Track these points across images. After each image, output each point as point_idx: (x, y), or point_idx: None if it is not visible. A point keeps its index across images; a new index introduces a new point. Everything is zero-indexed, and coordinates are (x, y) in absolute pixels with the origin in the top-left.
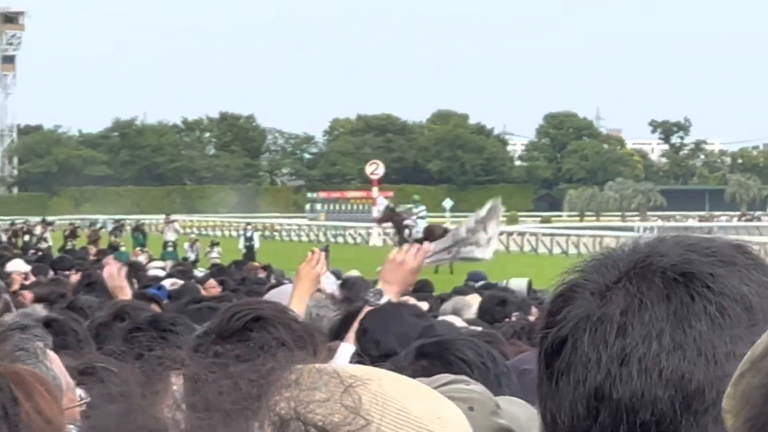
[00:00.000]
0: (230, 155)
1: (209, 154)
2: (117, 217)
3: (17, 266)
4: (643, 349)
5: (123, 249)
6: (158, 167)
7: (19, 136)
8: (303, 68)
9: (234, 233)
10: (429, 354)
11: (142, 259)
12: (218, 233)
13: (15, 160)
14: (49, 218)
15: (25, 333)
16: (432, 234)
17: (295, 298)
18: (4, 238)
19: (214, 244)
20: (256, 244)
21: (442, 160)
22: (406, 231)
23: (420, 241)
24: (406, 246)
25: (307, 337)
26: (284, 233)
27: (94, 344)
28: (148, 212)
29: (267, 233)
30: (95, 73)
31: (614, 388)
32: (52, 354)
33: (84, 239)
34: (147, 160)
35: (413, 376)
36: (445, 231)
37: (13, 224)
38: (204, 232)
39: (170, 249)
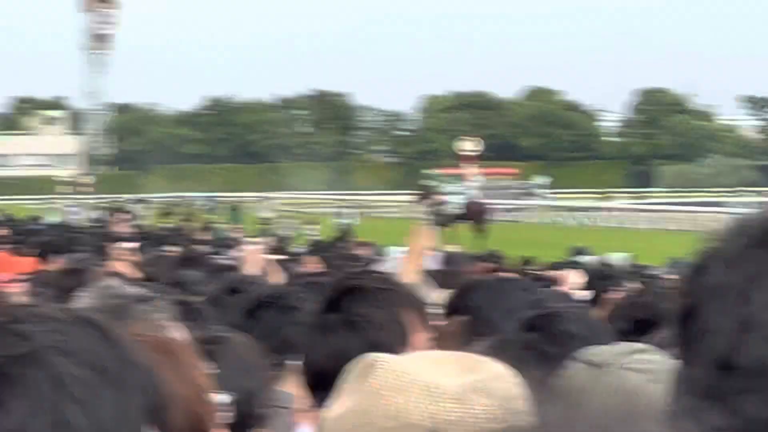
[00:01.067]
0: (325, 133)
1: (304, 132)
2: (211, 195)
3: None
4: (766, 316)
5: (219, 227)
6: (253, 145)
7: (114, 115)
8: (397, 46)
9: (329, 210)
10: (534, 327)
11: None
12: (315, 210)
13: (110, 139)
14: (144, 196)
15: (148, 305)
16: (472, 210)
17: (405, 272)
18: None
19: (311, 222)
20: (353, 221)
21: (535, 137)
22: (445, 206)
23: (462, 216)
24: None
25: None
26: (382, 210)
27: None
28: (242, 190)
29: (362, 211)
30: (190, 51)
31: (737, 356)
32: (176, 327)
33: (178, 217)
34: (241, 138)
35: (519, 350)
36: (485, 207)
37: (113, 202)
38: (298, 210)
39: (266, 226)
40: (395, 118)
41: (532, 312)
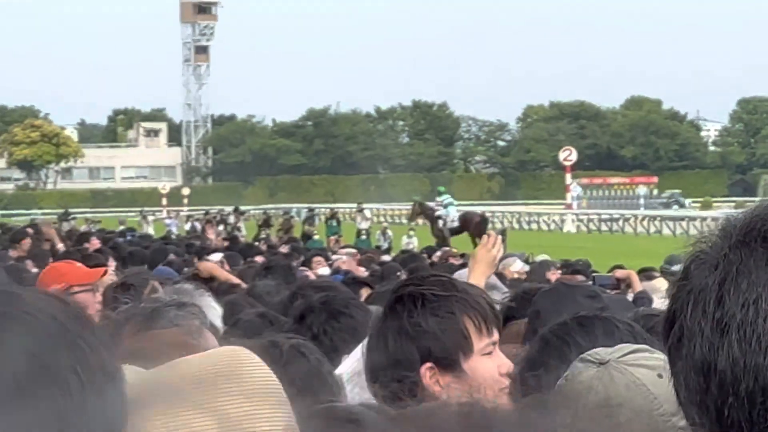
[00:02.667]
0: (424, 143)
1: (403, 143)
2: (310, 205)
3: (212, 256)
4: (741, 317)
5: (316, 237)
6: (352, 156)
7: (213, 127)
8: (495, 55)
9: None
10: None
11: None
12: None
13: (209, 150)
14: (244, 208)
15: (181, 310)
16: (468, 222)
17: (471, 281)
18: (199, 227)
19: (410, 230)
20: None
21: (636, 146)
22: (440, 221)
23: (457, 229)
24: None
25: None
26: None
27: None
28: (341, 201)
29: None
30: (288, 62)
31: (717, 359)
32: (208, 333)
33: (277, 228)
34: (341, 149)
35: (559, 348)
36: (482, 218)
37: (207, 214)
38: (398, 221)
39: (363, 237)
40: (495, 128)
41: (572, 314)
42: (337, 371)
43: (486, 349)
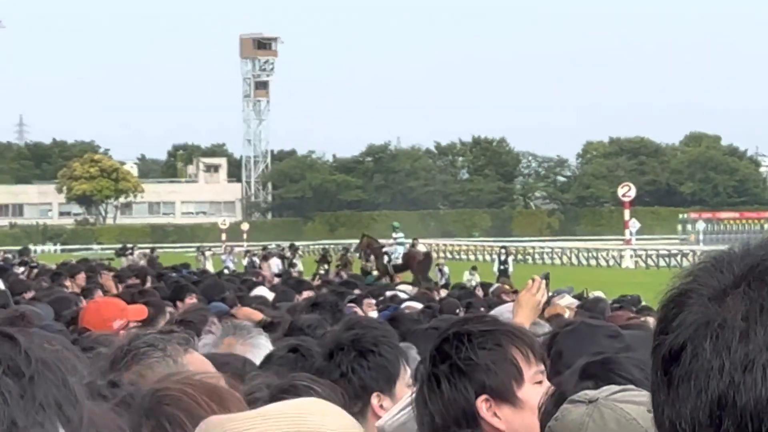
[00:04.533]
0: (483, 179)
1: (462, 178)
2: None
3: (260, 292)
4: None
5: (375, 273)
6: (412, 191)
7: (272, 162)
8: (555, 91)
9: (488, 257)
10: (593, 374)
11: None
12: (472, 257)
13: (269, 185)
14: (302, 243)
15: (167, 335)
16: (412, 260)
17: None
18: (258, 261)
19: (472, 268)
20: (510, 267)
21: (695, 182)
22: (386, 257)
23: (400, 267)
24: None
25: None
26: (536, 256)
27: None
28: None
29: (520, 257)
30: (348, 98)
31: (738, 395)
32: (194, 355)
33: (335, 264)
34: (400, 185)
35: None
36: (426, 256)
37: (264, 249)
38: (457, 257)
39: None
40: (555, 164)
41: (588, 358)
42: (378, 423)
43: (536, 378)
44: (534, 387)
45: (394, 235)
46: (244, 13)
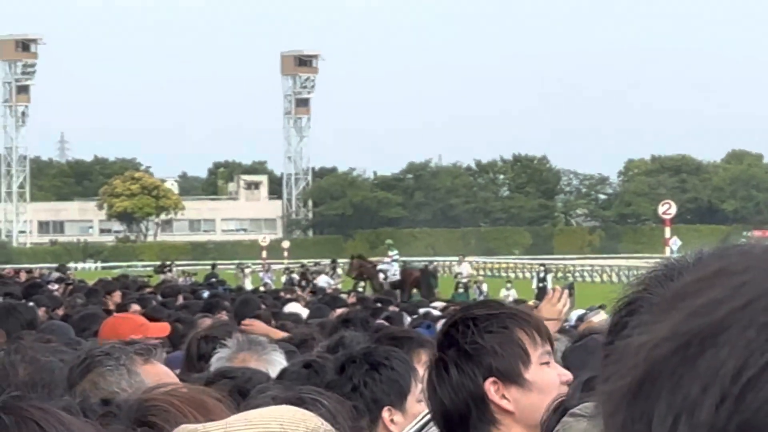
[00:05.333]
0: (524, 197)
1: (503, 196)
2: (408, 258)
3: (294, 309)
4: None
5: (414, 291)
6: (452, 209)
7: (313, 179)
8: (595, 109)
9: (528, 275)
10: (591, 388)
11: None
12: (512, 275)
13: (310, 203)
14: (343, 260)
15: (128, 346)
16: (408, 276)
17: None
18: (297, 278)
19: (508, 282)
20: (549, 284)
21: (737, 200)
22: (381, 275)
23: (397, 284)
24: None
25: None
26: (577, 274)
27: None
28: (442, 254)
29: (560, 274)
30: (389, 115)
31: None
32: (155, 366)
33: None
34: (441, 202)
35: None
36: (422, 273)
37: (303, 266)
38: (497, 274)
39: (461, 291)
40: (596, 181)
41: (592, 372)
42: None
43: (543, 359)
44: (541, 368)
45: (389, 253)
46: (286, 30)
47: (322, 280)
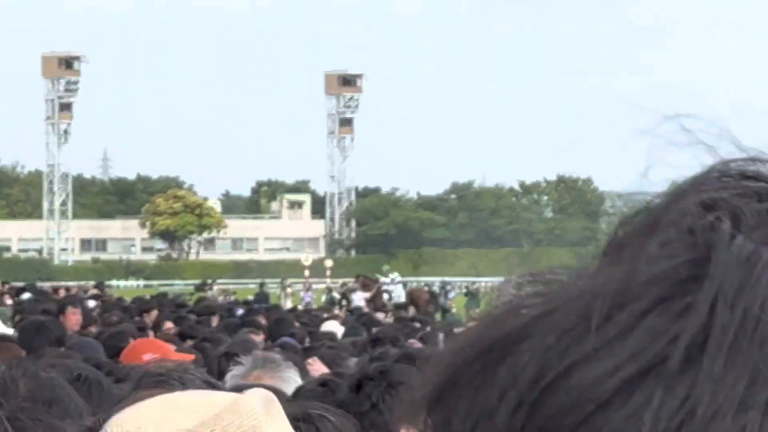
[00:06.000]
0: (568, 218)
1: (547, 217)
2: (446, 279)
3: (331, 327)
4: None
5: (455, 311)
6: (496, 230)
7: (357, 199)
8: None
9: None
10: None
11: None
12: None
13: (353, 222)
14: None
15: (186, 374)
16: (417, 298)
17: None
18: (337, 297)
19: None
20: None
21: None
22: (386, 295)
23: (405, 305)
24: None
25: None
26: None
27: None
28: (485, 275)
29: None
30: (433, 135)
31: None
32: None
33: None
34: (485, 223)
35: None
36: (432, 295)
37: (344, 285)
38: None
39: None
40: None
41: None
42: None
43: None
44: None
45: (390, 276)
46: (330, 49)
47: (357, 298)
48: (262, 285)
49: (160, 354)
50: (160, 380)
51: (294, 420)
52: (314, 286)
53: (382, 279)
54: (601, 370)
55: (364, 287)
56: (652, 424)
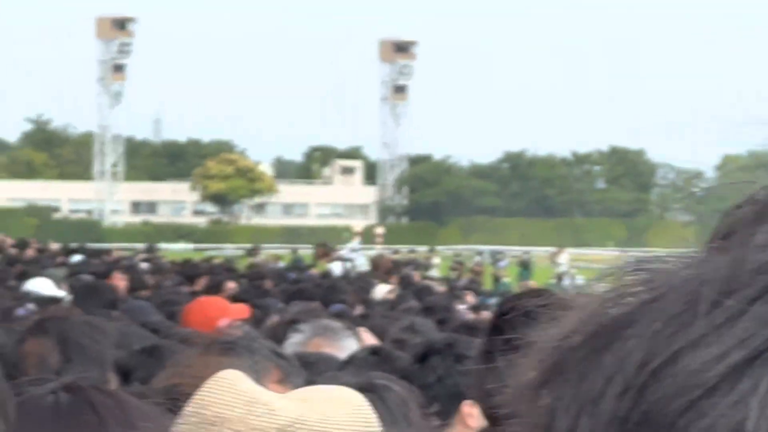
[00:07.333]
0: (620, 189)
1: (599, 188)
2: (503, 248)
3: (381, 292)
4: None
5: (506, 280)
6: (548, 199)
7: (409, 166)
8: (694, 103)
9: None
10: None
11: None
12: (606, 267)
13: (405, 189)
14: (441, 247)
15: (253, 344)
16: (378, 266)
17: None
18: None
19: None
20: None
21: None
22: (348, 264)
23: (367, 274)
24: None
25: None
26: None
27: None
28: (535, 244)
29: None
30: (486, 104)
31: None
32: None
33: (467, 270)
34: (537, 192)
35: None
36: (395, 264)
37: (396, 253)
38: (591, 266)
39: (552, 281)
40: (692, 175)
41: None
42: None
43: None
44: None
45: (350, 244)
46: (383, 16)
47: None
48: (295, 251)
49: (225, 315)
50: (229, 348)
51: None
52: (365, 253)
53: (343, 247)
54: (708, 356)
55: (323, 255)
56: (759, 410)
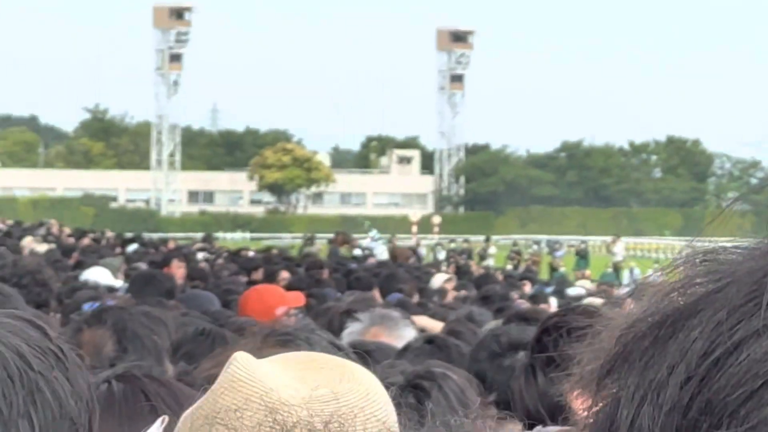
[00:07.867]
0: (676, 179)
1: (655, 177)
2: (556, 237)
3: (438, 282)
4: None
5: (563, 270)
6: (604, 189)
7: (466, 156)
8: (750, 90)
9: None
10: None
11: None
12: (661, 256)
13: (462, 179)
14: (494, 237)
15: (311, 335)
16: (397, 257)
17: None
18: (441, 256)
19: (655, 263)
20: None
21: None
22: (366, 251)
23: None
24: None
25: None
26: None
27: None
28: (592, 233)
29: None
30: (544, 93)
31: None
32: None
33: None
34: (593, 182)
35: None
36: (414, 253)
37: (452, 242)
38: (647, 255)
39: (609, 270)
40: (748, 165)
41: None
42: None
43: None
44: None
45: (370, 234)
46: (440, 5)
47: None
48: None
49: (282, 303)
50: (287, 339)
51: (417, 377)
52: (422, 242)
53: (369, 234)
54: None
55: (343, 243)
56: None
